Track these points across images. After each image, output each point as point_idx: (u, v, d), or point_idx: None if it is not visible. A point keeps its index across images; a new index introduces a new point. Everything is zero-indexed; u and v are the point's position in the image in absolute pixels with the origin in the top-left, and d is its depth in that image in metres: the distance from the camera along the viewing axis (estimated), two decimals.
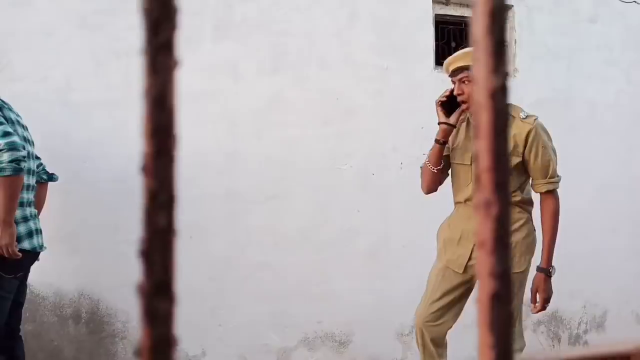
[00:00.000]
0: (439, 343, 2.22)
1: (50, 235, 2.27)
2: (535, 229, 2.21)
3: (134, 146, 2.51)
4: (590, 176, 3.62)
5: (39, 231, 2.22)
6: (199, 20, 2.89)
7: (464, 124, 2.19)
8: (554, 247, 2.13)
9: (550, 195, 2.12)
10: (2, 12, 2.60)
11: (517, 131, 2.06)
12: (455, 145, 2.19)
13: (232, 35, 2.94)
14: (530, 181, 2.15)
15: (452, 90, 2.10)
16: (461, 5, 3.47)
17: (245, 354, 2.96)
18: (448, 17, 3.45)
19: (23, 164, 2.03)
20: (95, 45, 2.72)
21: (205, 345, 2.91)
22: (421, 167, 2.27)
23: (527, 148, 2.06)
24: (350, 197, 3.14)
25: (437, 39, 3.38)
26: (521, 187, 2.14)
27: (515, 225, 2.14)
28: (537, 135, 2.06)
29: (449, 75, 2.13)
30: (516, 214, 2.14)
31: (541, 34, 3.56)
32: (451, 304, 2.20)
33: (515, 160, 2.06)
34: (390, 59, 3.22)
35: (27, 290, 2.43)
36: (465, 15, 3.51)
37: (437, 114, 2.16)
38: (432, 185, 2.27)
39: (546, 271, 2.11)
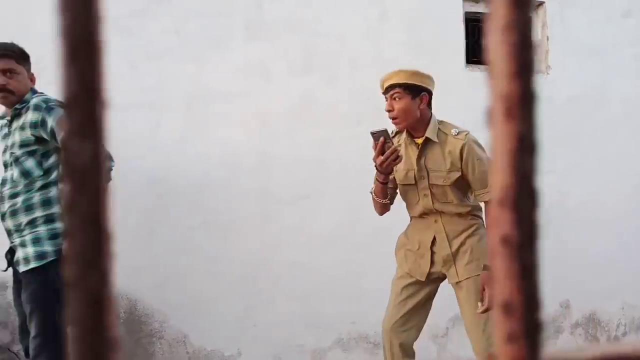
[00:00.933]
0: (408, 351, 2.29)
1: None
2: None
3: (168, 148, 2.56)
4: (626, 173, 3.55)
5: None
6: (230, 21, 2.91)
7: (403, 146, 2.24)
8: None
9: (492, 202, 2.16)
10: (39, 16, 2.66)
11: (451, 148, 2.14)
12: (397, 167, 2.24)
13: (262, 36, 2.95)
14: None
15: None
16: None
17: (280, 354, 2.95)
18: (478, 15, 3.42)
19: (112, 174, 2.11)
20: (130, 48, 2.76)
21: (240, 345, 2.91)
22: (370, 193, 2.33)
23: (463, 163, 2.13)
24: None
25: (467, 37, 3.36)
26: (469, 196, 2.23)
27: (469, 231, 2.22)
28: (470, 150, 2.13)
29: (383, 93, 2.20)
30: (468, 221, 2.23)
31: (574, 29, 3.50)
32: (415, 309, 2.27)
33: (455, 175, 2.14)
34: (420, 57, 3.19)
35: None
36: None
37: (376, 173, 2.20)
38: (384, 210, 2.36)
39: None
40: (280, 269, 2.97)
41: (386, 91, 2.17)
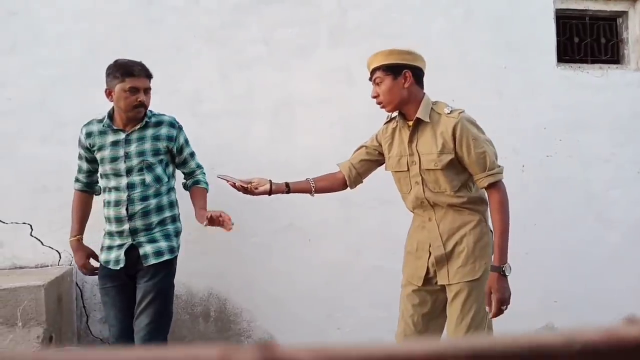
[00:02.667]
0: None
1: (183, 237, 2.42)
2: (492, 230, 2.01)
3: (257, 153, 2.63)
4: None
5: None
6: (314, 27, 2.96)
7: (397, 130, 2.10)
8: (506, 242, 1.93)
9: (495, 187, 1.94)
10: (140, 29, 2.82)
11: (443, 128, 1.95)
12: (390, 154, 2.11)
13: (346, 42, 2.97)
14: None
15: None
16: None
17: None
18: (570, 12, 3.27)
19: None
20: (221, 58, 2.87)
21: None
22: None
23: (457, 144, 1.93)
24: None
25: (558, 35, 3.22)
26: (466, 186, 2.00)
27: (465, 229, 2.00)
28: (464, 129, 1.92)
29: (369, 79, 2.06)
30: (465, 216, 2.00)
31: None
32: (426, 321, 2.08)
33: (447, 157, 1.94)
34: (508, 57, 3.10)
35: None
36: (589, 8, 3.30)
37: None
38: (329, 189, 2.34)
39: (499, 269, 1.91)
40: (362, 273, 2.98)
41: (370, 76, 2.05)
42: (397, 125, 2.11)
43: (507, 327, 3.13)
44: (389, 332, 2.98)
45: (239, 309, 2.88)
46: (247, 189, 2.18)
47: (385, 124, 2.21)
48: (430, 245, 2.06)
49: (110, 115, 2.34)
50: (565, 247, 3.15)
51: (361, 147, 2.28)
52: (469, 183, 2.01)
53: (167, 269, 2.30)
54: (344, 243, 2.98)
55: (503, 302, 1.92)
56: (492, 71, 3.09)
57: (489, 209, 2.03)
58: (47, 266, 2.77)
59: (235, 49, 2.88)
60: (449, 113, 1.97)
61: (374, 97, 2.04)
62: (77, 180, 2.42)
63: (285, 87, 2.92)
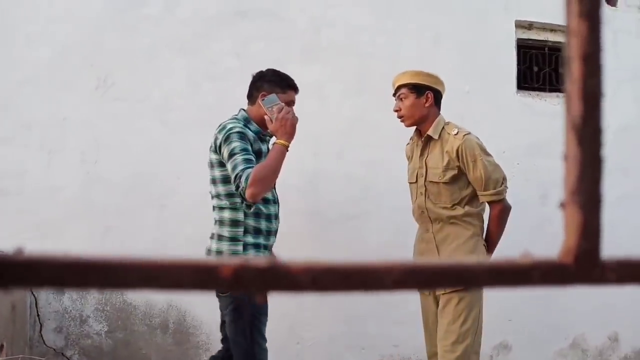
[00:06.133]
0: None
1: (146, 247, 2.39)
2: (486, 244, 2.26)
3: None
4: None
5: None
6: (288, 43, 3.00)
7: (415, 146, 2.31)
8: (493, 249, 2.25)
9: (496, 204, 2.21)
10: (111, 35, 2.80)
11: (449, 147, 2.17)
12: (409, 167, 2.35)
13: (318, 59, 3.03)
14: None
15: None
16: (544, 29, 3.44)
17: None
18: (530, 41, 3.43)
19: None
20: (192, 68, 2.87)
21: None
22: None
23: (460, 162, 2.15)
24: None
25: (519, 63, 3.37)
26: (465, 200, 2.20)
27: (459, 241, 2.18)
28: (467, 150, 2.15)
29: (393, 95, 2.31)
30: (460, 229, 2.20)
31: (627, 57, 3.47)
32: (435, 329, 2.28)
33: (451, 172, 2.16)
34: (471, 82, 3.22)
35: (121, 298, 2.55)
36: (549, 39, 3.47)
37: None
38: None
39: None
40: None
41: (395, 93, 2.28)
42: (417, 140, 2.32)
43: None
44: (349, 348, 3.01)
45: (198, 321, 2.85)
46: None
47: (407, 144, 2.43)
48: (427, 256, 2.23)
49: (249, 121, 2.18)
50: None
51: None
52: (466, 199, 2.20)
53: None
54: (308, 257, 2.99)
55: None
56: (456, 95, 3.19)
57: (481, 225, 2.26)
58: None
59: (207, 60, 2.89)
60: (455, 134, 2.18)
61: (396, 110, 2.26)
62: (251, 167, 2.06)
63: None
